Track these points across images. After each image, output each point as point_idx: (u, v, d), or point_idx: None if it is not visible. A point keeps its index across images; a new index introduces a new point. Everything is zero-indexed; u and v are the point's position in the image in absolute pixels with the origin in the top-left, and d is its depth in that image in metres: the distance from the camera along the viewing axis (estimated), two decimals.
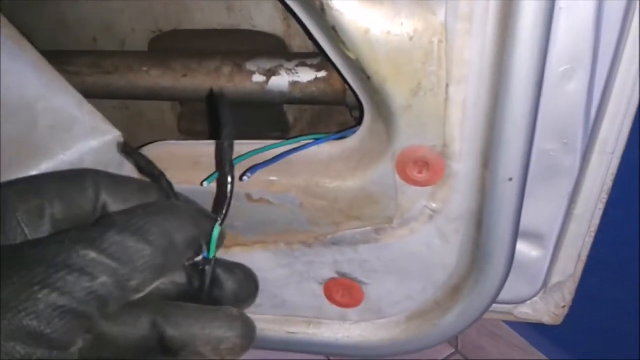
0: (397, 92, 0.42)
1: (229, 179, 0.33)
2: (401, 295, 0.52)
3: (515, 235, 0.45)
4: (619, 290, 0.92)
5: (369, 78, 0.42)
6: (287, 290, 0.54)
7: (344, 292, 0.53)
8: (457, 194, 0.45)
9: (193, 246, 0.31)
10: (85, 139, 0.45)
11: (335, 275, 0.52)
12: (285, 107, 0.65)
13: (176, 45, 0.63)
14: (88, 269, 0.24)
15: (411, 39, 0.40)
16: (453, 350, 1.38)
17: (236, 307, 0.32)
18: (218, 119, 0.35)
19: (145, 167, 0.36)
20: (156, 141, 0.56)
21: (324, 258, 0.52)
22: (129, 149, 0.40)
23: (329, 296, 0.54)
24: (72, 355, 0.24)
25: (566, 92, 0.44)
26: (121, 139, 0.48)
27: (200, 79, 0.58)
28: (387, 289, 0.52)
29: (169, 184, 0.35)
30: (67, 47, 0.67)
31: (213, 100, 0.41)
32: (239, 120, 0.66)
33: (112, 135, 0.47)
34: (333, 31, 0.41)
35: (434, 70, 0.40)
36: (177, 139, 0.65)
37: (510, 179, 0.42)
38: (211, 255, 0.32)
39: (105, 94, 0.61)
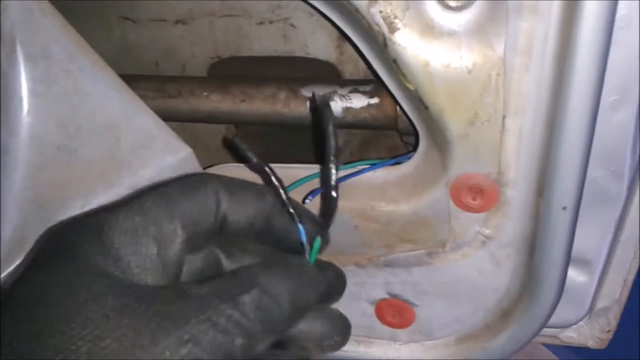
0: (454, 122, 0.43)
1: (334, 194, 0.35)
2: (451, 317, 0.53)
3: (567, 261, 0.46)
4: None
5: (427, 108, 0.44)
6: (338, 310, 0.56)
7: (394, 312, 0.55)
8: (510, 221, 0.46)
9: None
10: (162, 155, 0.48)
11: (387, 296, 0.54)
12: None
13: (234, 71, 0.66)
14: (230, 330, 0.26)
15: (470, 72, 0.41)
16: None
17: (325, 304, 0.34)
18: (322, 130, 0.36)
19: (256, 165, 0.37)
20: (217, 164, 0.59)
21: (376, 279, 0.53)
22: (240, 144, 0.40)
23: (380, 316, 0.55)
24: None
25: (615, 122, 0.45)
26: (193, 156, 0.50)
27: (258, 104, 0.61)
28: (438, 311, 0.53)
29: (280, 182, 0.36)
30: (130, 70, 0.70)
31: (317, 108, 0.42)
32: (291, 144, 0.69)
33: (186, 152, 0.50)
34: (394, 63, 0.43)
35: (491, 101, 0.42)
36: (229, 160, 0.68)
37: (564, 208, 0.43)
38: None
39: (168, 116, 0.64)
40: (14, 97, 0.42)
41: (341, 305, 0.58)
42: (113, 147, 0.45)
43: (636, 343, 0.90)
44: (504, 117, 0.42)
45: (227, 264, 0.35)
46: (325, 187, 0.35)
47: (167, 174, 0.48)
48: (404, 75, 0.43)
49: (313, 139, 0.64)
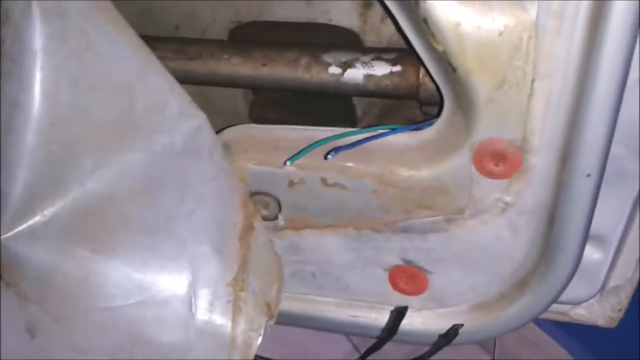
0: (482, 85, 0.43)
1: None
2: (466, 285, 0.53)
3: (587, 231, 0.46)
4: None
5: (454, 70, 0.44)
6: (352, 274, 0.56)
7: (408, 279, 0.55)
8: (532, 188, 0.46)
9: None
10: (176, 120, 0.47)
11: (401, 263, 0.54)
12: (354, 100, 0.67)
13: (255, 36, 0.66)
14: None
15: (501, 34, 0.41)
16: (489, 357, 1.37)
17: None
18: None
19: None
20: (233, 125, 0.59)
21: (391, 244, 0.53)
22: None
23: (393, 283, 0.55)
24: None
25: (637, 98, 0.45)
26: (207, 122, 0.50)
27: (279, 68, 0.60)
28: (452, 278, 0.53)
29: None
30: (150, 32, 0.70)
31: None
32: (308, 111, 0.69)
33: (200, 118, 0.49)
34: (424, 23, 0.43)
35: (520, 65, 0.42)
36: None
37: (588, 175, 0.43)
38: None
39: (187, 79, 0.64)
40: (27, 52, 0.42)
41: (355, 270, 0.58)
42: (126, 108, 0.45)
43: (636, 343, 0.90)
44: (532, 80, 0.42)
45: None
46: None
47: (180, 140, 0.48)
48: (433, 36, 0.43)
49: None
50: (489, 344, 1.37)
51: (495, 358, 1.37)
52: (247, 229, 0.52)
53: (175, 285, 0.47)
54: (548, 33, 0.41)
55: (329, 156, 0.46)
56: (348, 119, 0.68)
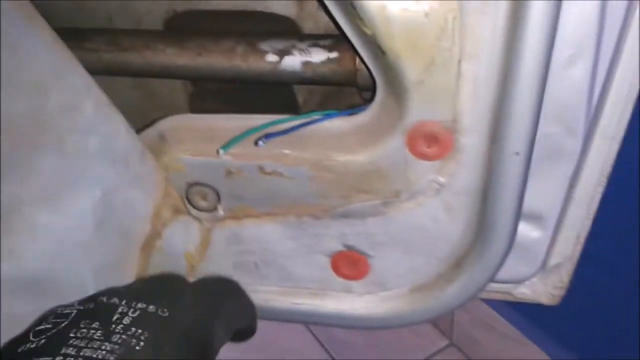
0: (411, 67, 0.43)
1: None
2: (405, 267, 0.53)
3: (519, 209, 0.47)
4: (614, 282, 0.94)
5: (383, 53, 0.44)
6: (294, 262, 0.56)
7: (350, 264, 0.55)
8: (464, 168, 0.47)
9: None
10: (91, 120, 0.45)
11: (342, 248, 0.54)
12: (295, 88, 0.66)
13: (191, 26, 0.65)
14: None
15: (427, 15, 0.41)
16: (447, 341, 1.39)
17: None
18: None
19: None
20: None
21: (331, 230, 0.53)
22: None
23: (335, 268, 0.55)
24: None
25: (570, 77, 0.45)
26: (127, 125, 0.48)
27: (215, 58, 0.59)
28: (392, 261, 0.53)
29: None
30: (82, 25, 0.68)
31: None
32: (249, 101, 0.69)
33: (116, 119, 0.47)
34: (351, 7, 0.43)
35: (447, 46, 0.42)
36: None
37: (517, 153, 0.44)
38: None
39: (121, 71, 0.63)
40: None
41: (297, 258, 0.58)
42: (38, 105, 0.42)
43: (636, 343, 0.93)
44: (459, 61, 0.42)
45: None
46: None
47: (95, 143, 0.46)
48: (362, 19, 0.43)
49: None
50: (446, 328, 1.39)
51: (454, 342, 1.39)
52: (153, 239, 0.51)
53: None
54: (472, 13, 0.41)
55: (260, 142, 0.45)
56: (289, 107, 0.67)
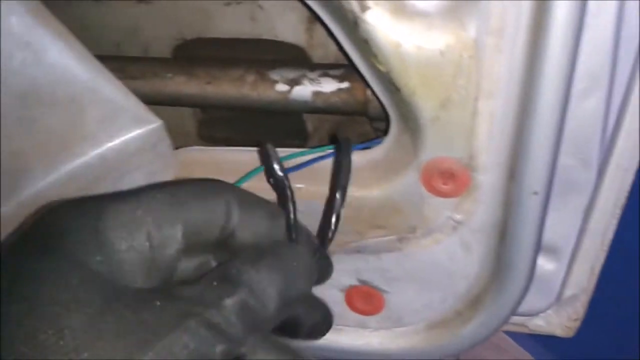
0: (426, 105, 0.43)
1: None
2: (421, 304, 0.52)
3: (538, 247, 0.46)
4: (626, 306, 0.93)
5: (398, 90, 0.43)
6: None
7: (364, 299, 0.54)
8: (481, 206, 0.46)
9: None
10: (130, 128, 0.47)
11: (357, 283, 0.53)
12: (305, 116, 0.66)
13: (199, 53, 0.64)
14: (211, 338, 0.25)
15: (442, 53, 0.41)
16: None
17: (305, 339, 0.34)
18: (339, 163, 0.39)
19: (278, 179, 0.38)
20: (179, 147, 0.57)
21: (346, 265, 0.52)
22: (271, 152, 0.40)
23: (350, 303, 0.54)
24: None
25: (584, 110, 0.44)
26: (164, 128, 0.50)
27: (224, 86, 0.59)
28: (408, 297, 0.52)
29: (294, 204, 0.37)
30: (91, 51, 0.67)
31: (338, 143, 0.43)
32: (258, 129, 0.68)
33: (156, 124, 0.49)
34: (365, 44, 0.42)
35: (463, 84, 0.41)
36: (196, 145, 0.66)
37: (535, 193, 0.43)
38: None
39: None
40: None
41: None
42: (76, 119, 0.45)
43: (636, 343, 0.91)
44: (476, 99, 0.42)
45: None
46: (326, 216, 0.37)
47: (135, 146, 0.48)
48: (375, 56, 0.42)
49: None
50: None
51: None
52: None
53: None
54: (488, 51, 0.40)
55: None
56: (299, 135, 0.67)
